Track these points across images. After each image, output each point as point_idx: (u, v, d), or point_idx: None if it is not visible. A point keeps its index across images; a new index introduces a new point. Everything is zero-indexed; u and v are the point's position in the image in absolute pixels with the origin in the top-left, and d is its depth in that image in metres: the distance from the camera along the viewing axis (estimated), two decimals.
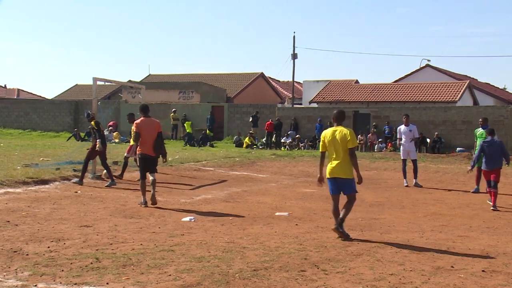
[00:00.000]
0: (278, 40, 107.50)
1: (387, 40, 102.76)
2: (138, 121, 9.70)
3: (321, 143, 7.17)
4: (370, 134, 27.13)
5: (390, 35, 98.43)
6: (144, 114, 9.71)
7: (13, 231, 6.85)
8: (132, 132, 12.72)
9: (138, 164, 9.93)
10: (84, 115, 12.62)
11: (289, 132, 28.65)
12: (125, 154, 13.61)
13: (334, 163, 6.91)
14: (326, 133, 7.07)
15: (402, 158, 13.99)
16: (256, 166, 18.23)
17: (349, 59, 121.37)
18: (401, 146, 13.89)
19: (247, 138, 27.91)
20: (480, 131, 12.45)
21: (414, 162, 13.75)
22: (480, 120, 12.68)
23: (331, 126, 7.22)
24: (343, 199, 7.06)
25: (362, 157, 22.69)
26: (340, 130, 6.96)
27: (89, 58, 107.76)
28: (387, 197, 11.31)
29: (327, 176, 7.03)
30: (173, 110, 30.91)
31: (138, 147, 9.55)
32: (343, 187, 6.96)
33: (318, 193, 11.93)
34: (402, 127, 13.90)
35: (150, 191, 9.35)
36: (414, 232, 7.61)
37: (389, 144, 26.39)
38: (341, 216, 6.92)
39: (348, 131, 6.92)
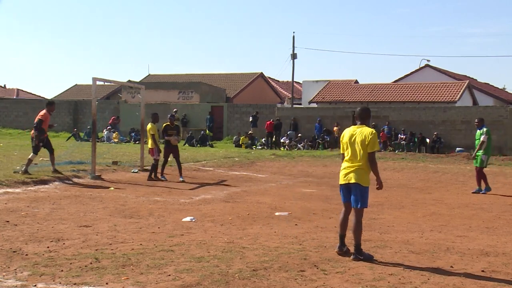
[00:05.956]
0: (277, 40, 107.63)
1: (387, 40, 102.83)
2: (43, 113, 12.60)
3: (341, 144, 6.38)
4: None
5: (389, 35, 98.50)
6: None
7: (13, 231, 6.85)
8: (148, 133, 13.51)
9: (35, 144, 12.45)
10: (169, 116, 14.98)
11: (288, 132, 28.67)
12: (154, 157, 13.45)
13: (348, 166, 6.14)
14: (344, 133, 6.31)
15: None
16: (256, 166, 18.24)
17: (348, 59, 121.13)
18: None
19: (242, 138, 28.03)
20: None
21: None
22: (476, 121, 12.55)
23: (354, 124, 6.33)
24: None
25: None
26: (361, 131, 6.10)
27: (89, 58, 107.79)
28: (387, 197, 11.31)
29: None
30: (174, 110, 30.88)
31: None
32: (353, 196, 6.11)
33: (317, 193, 11.93)
34: None
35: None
36: (414, 232, 7.61)
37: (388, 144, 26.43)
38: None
39: (369, 132, 6.04)
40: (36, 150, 12.41)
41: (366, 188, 6.10)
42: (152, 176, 13.44)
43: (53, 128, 13.87)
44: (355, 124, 6.31)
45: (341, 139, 6.34)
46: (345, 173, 6.14)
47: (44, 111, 12.67)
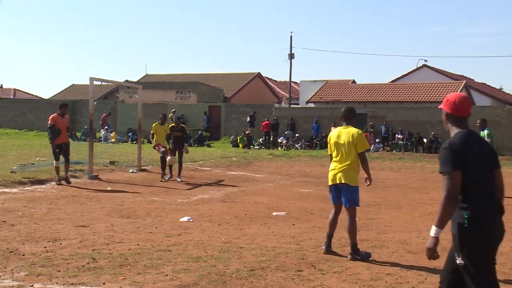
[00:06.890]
0: (275, 40, 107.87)
1: (384, 40, 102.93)
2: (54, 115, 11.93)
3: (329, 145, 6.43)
4: (366, 134, 27.19)
5: (387, 35, 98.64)
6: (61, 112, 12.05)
7: (9, 231, 6.83)
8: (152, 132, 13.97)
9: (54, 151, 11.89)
10: (175, 118, 15.16)
11: (286, 132, 28.67)
12: (161, 154, 13.78)
13: (337, 167, 6.15)
14: (331, 134, 6.35)
15: None
16: (253, 166, 18.24)
17: (346, 59, 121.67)
18: None
19: (239, 137, 28.11)
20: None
21: None
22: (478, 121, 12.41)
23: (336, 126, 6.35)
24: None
25: None
26: (347, 131, 6.16)
27: (86, 58, 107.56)
28: (384, 197, 11.32)
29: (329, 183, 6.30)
30: (172, 110, 30.79)
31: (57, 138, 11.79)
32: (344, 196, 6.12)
33: (315, 193, 11.94)
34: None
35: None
36: (411, 232, 7.62)
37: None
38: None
39: (356, 132, 6.12)
40: (56, 157, 11.82)
41: (356, 187, 6.13)
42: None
43: (71, 131, 13.16)
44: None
45: (328, 140, 6.40)
46: (334, 173, 6.17)
47: (54, 114, 12.02)
